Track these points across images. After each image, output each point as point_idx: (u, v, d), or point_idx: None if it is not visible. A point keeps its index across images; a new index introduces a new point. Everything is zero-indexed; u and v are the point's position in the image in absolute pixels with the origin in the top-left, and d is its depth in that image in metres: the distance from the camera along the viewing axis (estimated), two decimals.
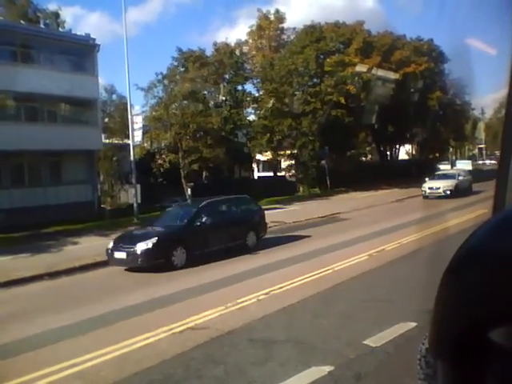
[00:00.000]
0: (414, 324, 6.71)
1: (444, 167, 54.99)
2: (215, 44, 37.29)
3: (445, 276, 0.58)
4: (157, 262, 12.11)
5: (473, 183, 27.43)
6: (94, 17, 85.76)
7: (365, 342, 6.24)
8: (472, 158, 71.78)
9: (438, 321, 0.59)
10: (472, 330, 0.55)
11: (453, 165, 60.19)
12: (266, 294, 9.20)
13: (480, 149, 76.82)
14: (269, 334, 7.08)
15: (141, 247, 12.13)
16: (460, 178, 26.59)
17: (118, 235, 14.21)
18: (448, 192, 24.84)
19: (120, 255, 12.39)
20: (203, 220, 13.30)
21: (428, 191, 25.64)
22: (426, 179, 26.85)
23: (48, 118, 25.93)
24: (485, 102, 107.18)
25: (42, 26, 35.69)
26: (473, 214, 16.16)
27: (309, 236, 16.01)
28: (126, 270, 12.77)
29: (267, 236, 15.65)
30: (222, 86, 32.85)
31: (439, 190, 25.10)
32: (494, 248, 0.53)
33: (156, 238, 12.33)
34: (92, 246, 16.20)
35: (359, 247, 13.20)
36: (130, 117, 23.63)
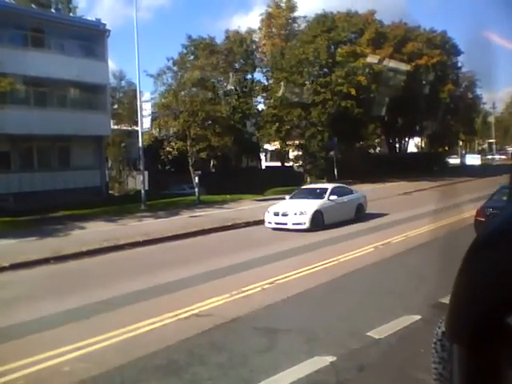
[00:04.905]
0: (418, 317, 6.71)
1: (453, 161, 54.82)
2: (227, 31, 37.07)
3: (465, 258, 0.57)
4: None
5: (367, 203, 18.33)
6: (109, 0, 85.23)
7: (368, 334, 6.24)
8: (481, 152, 71.33)
9: (455, 303, 0.58)
10: (490, 314, 0.55)
11: (462, 159, 59.94)
12: (271, 283, 9.22)
13: (490, 143, 76.23)
14: (272, 322, 7.10)
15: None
16: (332, 197, 16.51)
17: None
18: (301, 223, 15.44)
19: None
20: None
21: (273, 219, 16.07)
22: (286, 197, 17.78)
23: (57, 103, 25.99)
24: (497, 96, 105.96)
25: (52, 10, 35.63)
26: None
27: None
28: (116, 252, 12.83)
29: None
30: (231, 74, 32.68)
31: (285, 220, 15.70)
32: None
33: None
34: (99, 231, 16.30)
35: (365, 239, 13.16)
36: (139, 103, 23.61)
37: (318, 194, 16.91)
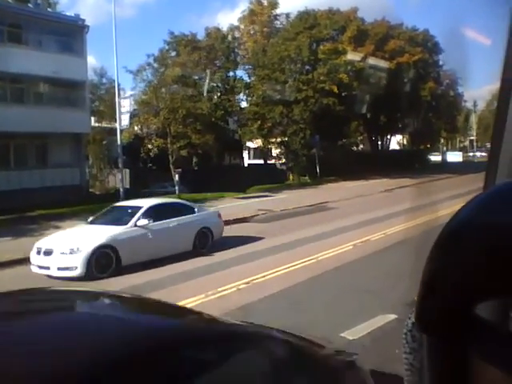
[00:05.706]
0: (394, 316, 6.65)
1: (434, 158, 55.30)
2: (207, 28, 36.82)
3: (433, 249, 0.57)
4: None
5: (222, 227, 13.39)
6: None
7: (342, 335, 6.16)
8: (463, 149, 72.17)
9: (423, 294, 0.59)
10: (457, 304, 0.56)
11: (444, 156, 60.52)
12: (247, 283, 9.11)
13: (471, 141, 77.09)
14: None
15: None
16: (142, 222, 11.22)
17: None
18: (70, 268, 10.01)
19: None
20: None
21: (36, 260, 10.53)
22: (89, 219, 12.71)
23: (35, 100, 25.48)
24: (478, 93, 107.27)
25: (30, 5, 34.93)
26: None
27: (295, 225, 15.87)
28: None
29: (253, 223, 15.49)
30: (207, 71, 32.19)
31: (49, 261, 10.22)
32: (482, 221, 0.54)
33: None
34: None
35: (344, 237, 13.11)
36: (117, 100, 23.28)
37: (129, 216, 11.36)
